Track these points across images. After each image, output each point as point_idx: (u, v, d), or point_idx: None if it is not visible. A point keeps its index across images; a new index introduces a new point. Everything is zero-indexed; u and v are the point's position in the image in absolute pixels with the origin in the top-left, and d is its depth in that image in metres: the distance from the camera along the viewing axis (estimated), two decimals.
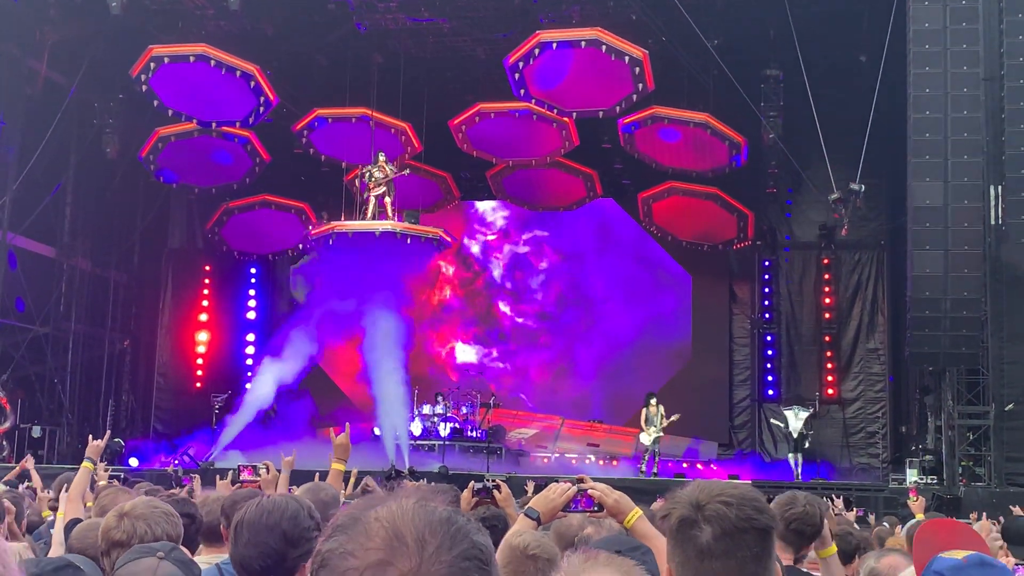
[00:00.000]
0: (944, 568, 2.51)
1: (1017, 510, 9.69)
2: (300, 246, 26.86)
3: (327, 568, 1.42)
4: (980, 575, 2.51)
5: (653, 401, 21.78)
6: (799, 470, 20.95)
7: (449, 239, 23.75)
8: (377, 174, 22.80)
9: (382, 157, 22.92)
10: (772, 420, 23.80)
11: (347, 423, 6.30)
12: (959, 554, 2.53)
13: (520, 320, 27.57)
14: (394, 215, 22.81)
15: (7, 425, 22.19)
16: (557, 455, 24.39)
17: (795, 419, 21.61)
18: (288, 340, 24.37)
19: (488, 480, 5.68)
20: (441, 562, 1.39)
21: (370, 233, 22.31)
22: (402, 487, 1.55)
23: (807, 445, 21.63)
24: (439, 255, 24.70)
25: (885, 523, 10.76)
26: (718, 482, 2.44)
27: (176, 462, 21.55)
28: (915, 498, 9.51)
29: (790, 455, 21.65)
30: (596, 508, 3.74)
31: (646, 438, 21.39)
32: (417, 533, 1.41)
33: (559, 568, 2.07)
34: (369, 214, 22.76)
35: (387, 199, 22.81)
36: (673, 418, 21.28)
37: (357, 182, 23.08)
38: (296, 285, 27.94)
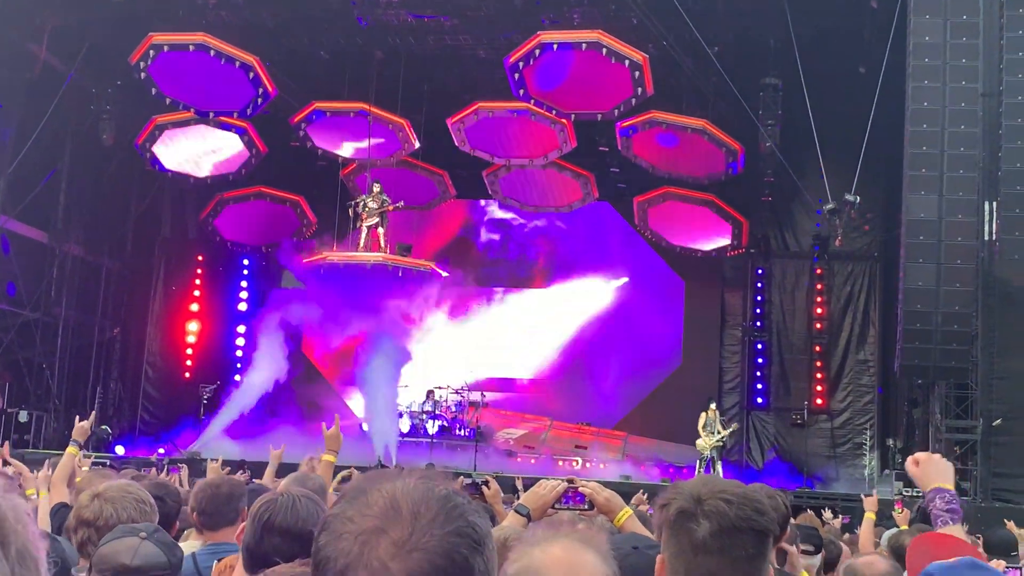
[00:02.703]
0: (936, 570, 2.52)
1: (1011, 525, 9.69)
2: (294, 239, 26.90)
3: (327, 531, 1.50)
4: (973, 575, 2.53)
5: (712, 406, 21.94)
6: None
7: (443, 273, 24.04)
8: (371, 204, 22.99)
9: (377, 187, 23.16)
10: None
11: (336, 415, 6.31)
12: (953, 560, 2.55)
13: (509, 321, 27.55)
14: (386, 247, 22.99)
15: None
16: (544, 456, 24.39)
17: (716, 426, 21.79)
18: (279, 341, 24.56)
19: (476, 477, 5.67)
20: (432, 535, 1.45)
21: (361, 264, 22.46)
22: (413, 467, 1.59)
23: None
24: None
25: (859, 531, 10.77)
26: (722, 479, 2.45)
27: (162, 450, 21.52)
28: (900, 510, 9.55)
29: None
30: (587, 506, 3.74)
31: (702, 443, 21.46)
32: (413, 506, 1.47)
33: (522, 538, 2.09)
34: (361, 245, 22.94)
35: (380, 230, 23.12)
36: (732, 428, 21.49)
37: (351, 212, 23.27)
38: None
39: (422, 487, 1.51)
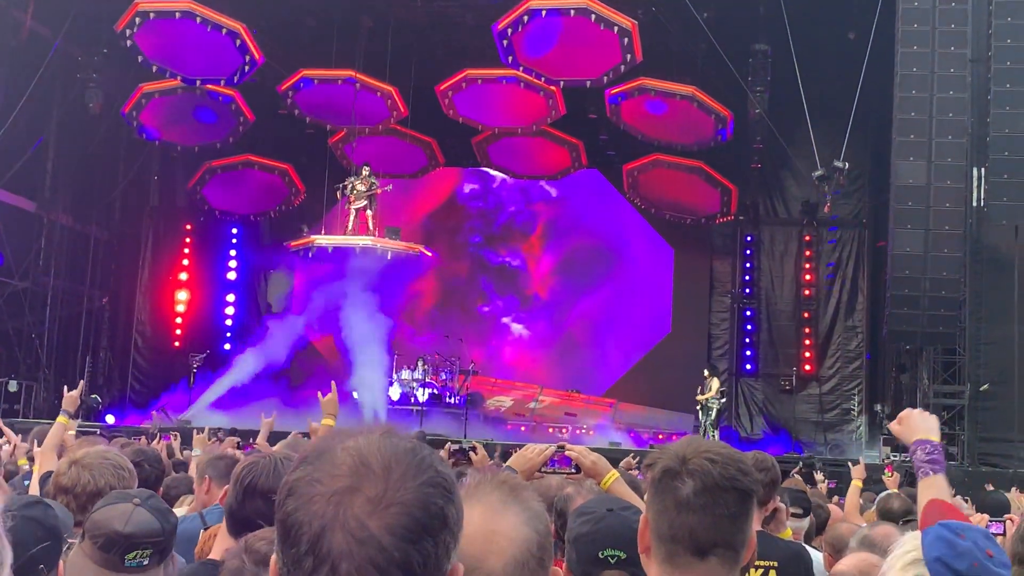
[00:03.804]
0: (952, 523, 2.58)
1: (990, 487, 9.82)
2: (281, 207, 26.85)
3: (294, 496, 1.46)
4: (986, 539, 2.58)
5: (705, 372, 22.29)
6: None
7: (429, 254, 24.09)
8: (360, 187, 23.00)
9: (366, 170, 23.13)
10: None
11: (333, 382, 6.32)
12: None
13: (500, 289, 27.59)
14: (375, 229, 22.98)
15: None
16: (534, 423, 24.48)
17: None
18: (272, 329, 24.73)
19: (464, 443, 5.71)
20: (407, 488, 1.44)
21: (350, 248, 22.52)
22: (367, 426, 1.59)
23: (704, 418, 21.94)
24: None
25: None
26: (708, 440, 2.47)
27: (154, 412, 21.52)
28: (890, 474, 9.61)
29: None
30: (574, 469, 3.78)
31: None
32: (384, 461, 1.46)
33: (467, 478, 2.05)
34: (349, 227, 22.95)
35: (368, 212, 23.14)
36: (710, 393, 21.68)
37: (339, 195, 23.23)
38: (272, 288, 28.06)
39: (388, 442, 1.49)
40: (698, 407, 22.05)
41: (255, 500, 3.28)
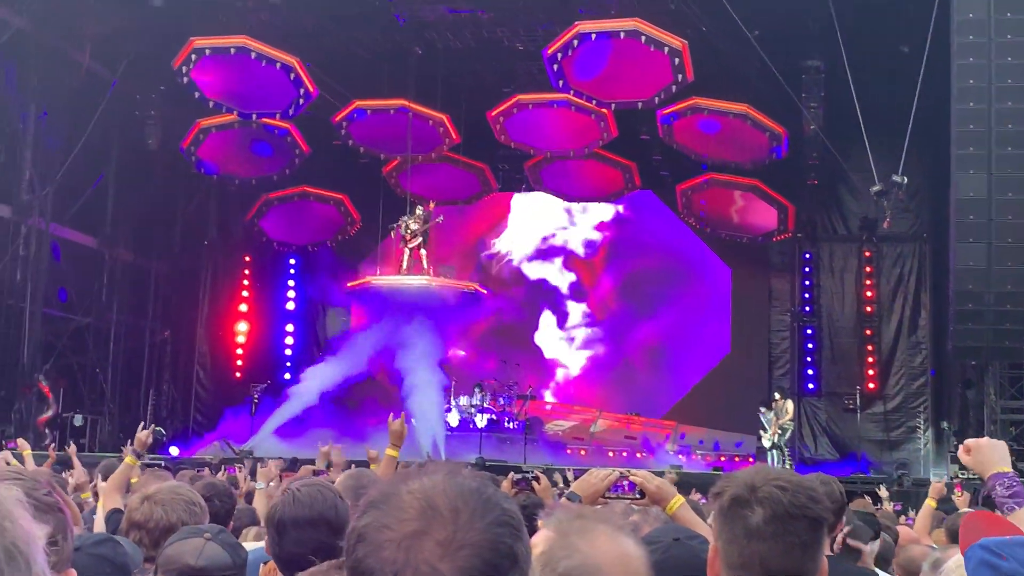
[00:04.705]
0: (990, 543, 2.49)
1: None
2: (338, 237, 27.10)
3: (364, 542, 1.46)
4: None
5: (777, 395, 21.98)
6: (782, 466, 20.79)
7: (484, 291, 24.40)
8: (413, 225, 23.25)
9: (420, 210, 23.36)
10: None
11: (403, 412, 6.29)
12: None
13: (556, 312, 27.57)
14: (429, 268, 23.15)
15: (49, 414, 22.49)
16: (594, 447, 24.37)
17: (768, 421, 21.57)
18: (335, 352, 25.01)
19: (526, 471, 5.68)
20: (475, 529, 1.44)
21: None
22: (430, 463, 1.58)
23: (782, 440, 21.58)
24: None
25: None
26: (777, 468, 2.44)
27: (217, 443, 21.72)
28: (960, 493, 9.42)
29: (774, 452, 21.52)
30: (638, 495, 3.73)
31: (767, 440, 21.41)
32: (450, 503, 1.46)
33: (550, 517, 2.07)
34: (404, 266, 23.16)
35: (422, 251, 23.36)
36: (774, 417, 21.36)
37: (392, 234, 23.46)
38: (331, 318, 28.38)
39: (453, 482, 1.49)
40: (762, 430, 21.69)
41: (288, 534, 3.32)
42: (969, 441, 3.20)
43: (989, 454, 3.10)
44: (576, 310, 27.38)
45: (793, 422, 21.74)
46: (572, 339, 27.18)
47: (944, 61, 17.96)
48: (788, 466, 20.58)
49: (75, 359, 23.66)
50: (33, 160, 22.15)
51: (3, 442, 19.22)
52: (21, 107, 21.87)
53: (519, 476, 5.37)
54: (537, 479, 5.41)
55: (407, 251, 23.38)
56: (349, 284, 23.81)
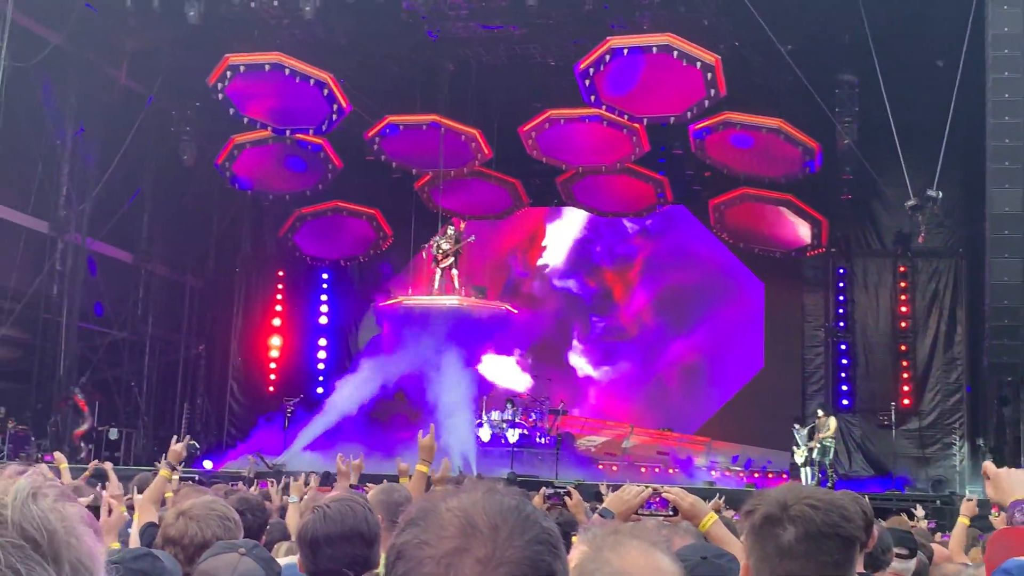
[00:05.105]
0: (1014, 567, 2.46)
1: None
2: (370, 252, 27.21)
3: (404, 559, 1.47)
4: None
5: (820, 412, 21.76)
6: (815, 482, 20.56)
7: (515, 311, 24.63)
8: (444, 245, 23.35)
9: (451, 230, 23.46)
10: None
11: (432, 424, 6.28)
12: None
13: (589, 327, 27.53)
14: (460, 288, 23.26)
15: (85, 427, 22.69)
16: (626, 462, 24.28)
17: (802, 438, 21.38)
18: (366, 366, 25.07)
19: (559, 487, 5.67)
20: (515, 547, 1.44)
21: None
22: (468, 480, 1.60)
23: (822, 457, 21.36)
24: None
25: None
26: (808, 487, 2.43)
27: (251, 457, 21.79)
28: (997, 513, 9.29)
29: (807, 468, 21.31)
30: (671, 512, 3.73)
31: (800, 456, 21.23)
32: (490, 520, 1.46)
33: (585, 533, 2.07)
34: (435, 286, 23.26)
35: (454, 271, 23.53)
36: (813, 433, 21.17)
37: (424, 253, 23.56)
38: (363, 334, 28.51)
39: (492, 500, 1.49)
40: (795, 446, 21.53)
41: (322, 551, 3.34)
42: (988, 470, 3.18)
43: (1011, 483, 3.09)
44: (609, 325, 27.33)
45: (834, 440, 21.55)
46: (604, 354, 27.12)
47: (979, 75, 17.84)
48: (818, 483, 20.40)
49: (110, 373, 23.88)
50: (70, 176, 22.44)
51: (40, 455, 19.44)
52: (58, 123, 22.15)
53: (551, 491, 5.36)
54: (569, 494, 5.41)
55: (439, 271, 23.48)
56: (380, 304, 23.97)
